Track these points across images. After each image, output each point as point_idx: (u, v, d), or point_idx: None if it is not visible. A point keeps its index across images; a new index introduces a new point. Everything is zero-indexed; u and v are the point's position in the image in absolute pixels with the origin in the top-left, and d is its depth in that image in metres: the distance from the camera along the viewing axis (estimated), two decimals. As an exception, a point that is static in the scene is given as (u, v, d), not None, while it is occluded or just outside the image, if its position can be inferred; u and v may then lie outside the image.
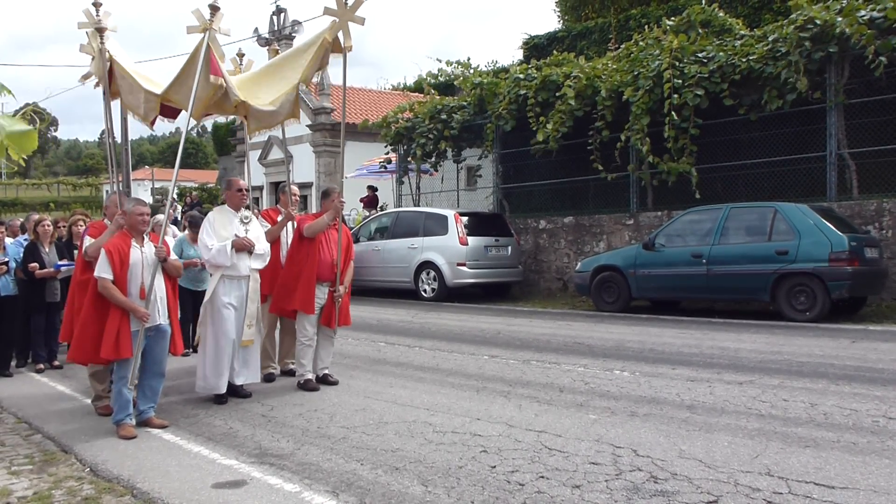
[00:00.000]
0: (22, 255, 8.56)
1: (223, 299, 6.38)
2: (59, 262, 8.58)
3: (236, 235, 6.42)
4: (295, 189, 7.61)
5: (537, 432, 5.15)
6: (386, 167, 19.94)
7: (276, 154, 28.65)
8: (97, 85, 7.01)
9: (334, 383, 6.98)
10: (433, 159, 17.76)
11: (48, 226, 8.84)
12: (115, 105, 7.23)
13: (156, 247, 5.70)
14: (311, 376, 6.91)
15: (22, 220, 10.76)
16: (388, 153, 19.98)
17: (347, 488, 4.21)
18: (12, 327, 8.36)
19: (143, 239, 5.72)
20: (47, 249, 8.67)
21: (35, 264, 8.40)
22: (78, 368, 8.44)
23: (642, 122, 12.83)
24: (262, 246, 6.66)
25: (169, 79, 6.56)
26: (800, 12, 11.49)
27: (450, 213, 14.61)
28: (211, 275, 6.59)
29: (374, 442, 5.09)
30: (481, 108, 16.58)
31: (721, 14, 15.17)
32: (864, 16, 10.78)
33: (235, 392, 6.57)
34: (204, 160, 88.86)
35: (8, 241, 8.73)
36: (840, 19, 10.91)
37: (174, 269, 5.89)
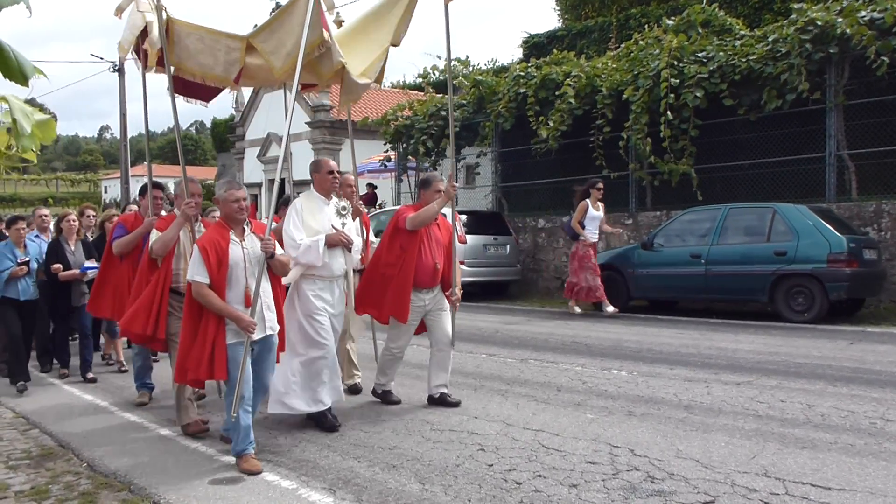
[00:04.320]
0: (45, 253, 7.76)
1: (316, 303, 5.32)
2: (87, 265, 7.68)
3: (333, 228, 5.45)
4: (350, 178, 6.38)
5: (535, 431, 5.15)
6: (386, 165, 19.93)
7: (275, 151, 28.61)
8: (146, 62, 5.87)
9: (455, 404, 5.94)
10: (433, 157, 17.76)
11: (73, 221, 7.95)
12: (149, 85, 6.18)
13: (261, 239, 4.72)
14: (390, 387, 6.19)
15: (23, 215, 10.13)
16: (387, 151, 19.97)
17: (344, 485, 4.21)
18: (35, 334, 7.65)
19: (243, 231, 4.75)
20: (73, 248, 7.78)
21: (59, 265, 7.53)
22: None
23: (642, 121, 12.84)
24: (359, 243, 5.81)
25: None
26: (800, 13, 11.49)
27: (448, 212, 14.58)
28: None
29: (372, 440, 5.09)
30: (480, 106, 16.58)
31: (721, 14, 15.16)
32: (864, 17, 10.78)
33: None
34: (202, 157, 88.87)
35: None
36: (840, 20, 10.92)
37: (282, 266, 4.86)
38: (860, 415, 5.32)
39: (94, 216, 9.11)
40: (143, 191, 6.62)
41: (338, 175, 5.66)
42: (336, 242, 5.39)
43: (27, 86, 2.72)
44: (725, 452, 4.57)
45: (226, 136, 33.81)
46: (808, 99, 11.29)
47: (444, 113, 17.27)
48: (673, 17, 15.18)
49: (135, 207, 7.38)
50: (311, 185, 5.62)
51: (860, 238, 10.22)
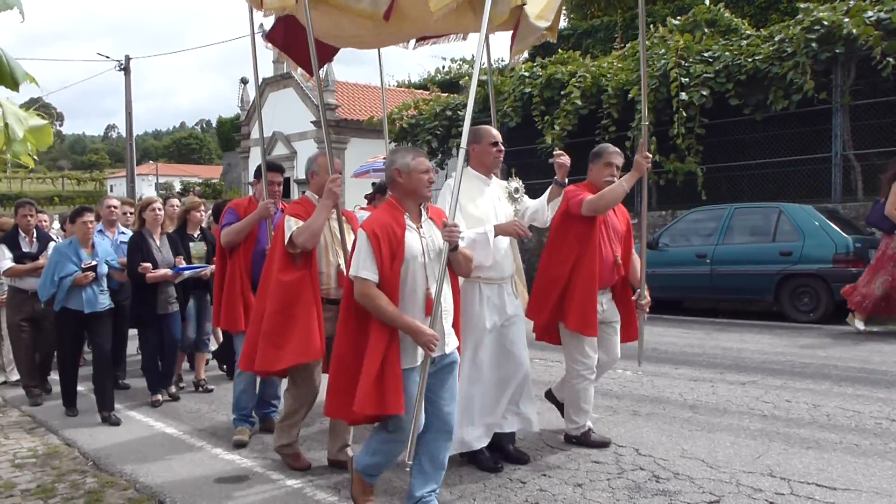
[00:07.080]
0: (127, 251, 6.45)
1: (482, 314, 4.24)
2: (181, 266, 6.39)
3: (496, 215, 4.33)
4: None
5: (539, 430, 5.14)
6: (390, 162, 19.96)
7: (280, 150, 28.65)
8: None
9: (603, 444, 4.73)
10: (439, 157, 17.79)
11: (159, 210, 6.49)
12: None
13: (444, 225, 3.44)
14: (589, 426, 4.79)
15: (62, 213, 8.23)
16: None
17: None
18: (107, 352, 6.03)
19: (419, 215, 3.58)
20: (159, 242, 6.44)
21: (148, 265, 6.19)
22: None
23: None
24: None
25: None
26: (806, 13, 11.49)
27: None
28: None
29: (377, 438, 5.08)
30: (486, 105, 16.55)
31: (727, 14, 15.15)
32: (871, 17, 10.77)
33: (503, 450, 4.47)
34: (208, 156, 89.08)
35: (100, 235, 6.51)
36: (847, 20, 10.90)
37: (466, 262, 3.63)
38: (865, 415, 5.31)
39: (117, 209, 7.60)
40: (257, 173, 5.30)
41: (503, 147, 4.50)
42: (510, 232, 4.21)
43: (17, 91, 2.78)
44: (730, 452, 4.56)
45: (231, 135, 33.87)
46: (814, 99, 11.28)
47: (449, 112, 17.30)
48: (679, 17, 15.16)
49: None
50: (467, 162, 4.44)
51: (866, 238, 10.18)
